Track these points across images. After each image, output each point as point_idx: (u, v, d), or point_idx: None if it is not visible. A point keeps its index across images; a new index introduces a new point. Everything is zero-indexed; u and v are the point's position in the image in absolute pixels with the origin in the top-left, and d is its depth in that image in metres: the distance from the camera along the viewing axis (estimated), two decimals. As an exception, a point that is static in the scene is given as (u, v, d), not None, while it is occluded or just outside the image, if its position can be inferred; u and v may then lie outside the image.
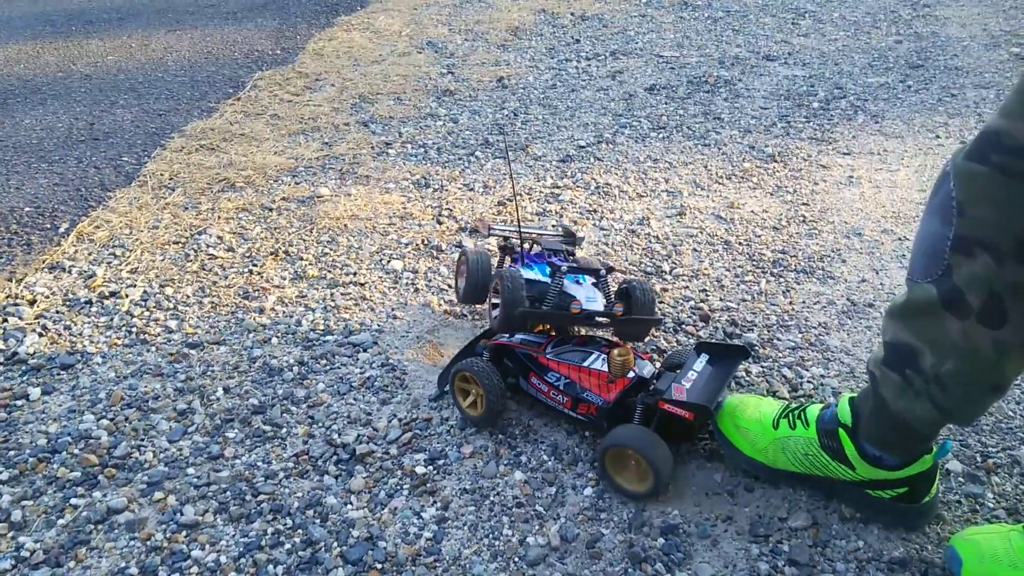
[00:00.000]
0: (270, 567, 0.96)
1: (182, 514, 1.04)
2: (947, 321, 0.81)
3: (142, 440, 1.18)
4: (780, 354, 1.37)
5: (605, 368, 1.13)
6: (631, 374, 1.11)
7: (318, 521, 1.03)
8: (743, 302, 1.55)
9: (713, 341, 1.18)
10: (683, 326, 1.46)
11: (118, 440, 1.17)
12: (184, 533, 1.01)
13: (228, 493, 1.07)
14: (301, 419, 1.23)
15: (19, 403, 1.26)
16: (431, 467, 1.12)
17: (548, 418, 1.21)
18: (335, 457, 1.14)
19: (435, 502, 1.06)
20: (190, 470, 1.12)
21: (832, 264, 1.69)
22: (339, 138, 2.55)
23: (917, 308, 0.84)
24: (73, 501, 1.06)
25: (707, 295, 1.58)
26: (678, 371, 1.11)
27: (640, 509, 1.04)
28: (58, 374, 1.34)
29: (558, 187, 2.14)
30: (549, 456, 1.14)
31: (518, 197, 2.08)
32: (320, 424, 1.21)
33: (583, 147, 2.46)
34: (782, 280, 1.63)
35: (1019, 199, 0.74)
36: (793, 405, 1.08)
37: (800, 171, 2.24)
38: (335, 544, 0.99)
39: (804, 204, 2.01)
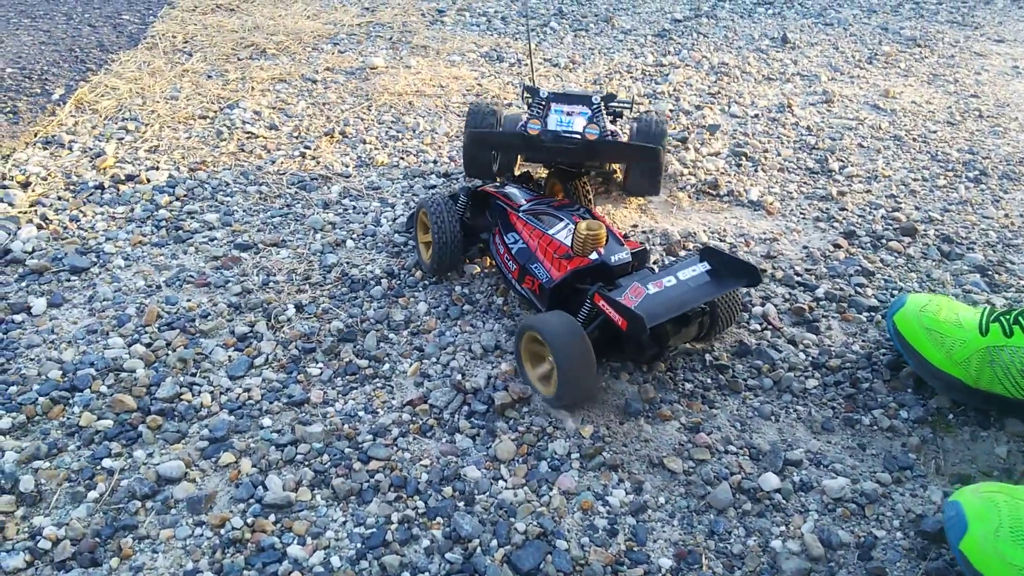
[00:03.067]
0: (406, 575, 0.65)
1: (266, 488, 0.72)
2: None
3: (193, 375, 0.85)
4: (1021, 281, 1.05)
5: (569, 241, 0.89)
6: (594, 256, 0.87)
7: (462, 505, 0.71)
8: (946, 212, 1.21)
9: (723, 251, 0.86)
10: (884, 241, 1.12)
11: (161, 375, 0.84)
12: (272, 518, 0.69)
13: (326, 457, 0.75)
14: (406, 351, 0.90)
15: (18, 318, 0.92)
16: (604, 427, 0.80)
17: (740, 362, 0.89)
18: (466, 408, 0.82)
19: (621, 480, 0.75)
20: (265, 420, 0.79)
21: (1043, 169, 1.34)
22: (381, 3, 2.13)
23: None
24: (106, 463, 0.73)
25: (898, 202, 1.23)
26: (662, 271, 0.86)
27: (922, 498, 0.74)
28: (68, 280, 0.99)
29: (663, 65, 1.74)
30: (759, 413, 0.83)
31: (617, 75, 1.69)
32: (434, 360, 0.89)
33: (679, 21, 2.04)
34: (984, 187, 1.29)
35: None
36: (1002, 309, 0.83)
37: (953, 58, 1.85)
38: (493, 542, 0.68)
39: (973, 96, 1.64)
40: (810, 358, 0.90)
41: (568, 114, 1.03)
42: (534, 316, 0.83)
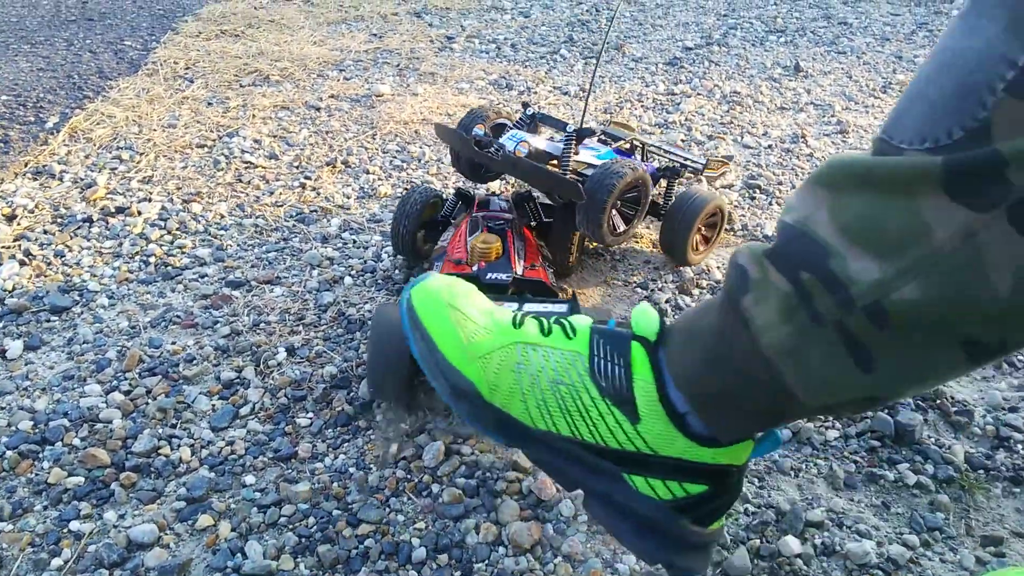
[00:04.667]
0: (395, 657, 0.59)
1: (245, 556, 0.66)
2: (931, 211, 0.39)
3: (173, 427, 0.79)
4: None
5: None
6: (475, 268, 0.87)
7: (459, 575, 0.66)
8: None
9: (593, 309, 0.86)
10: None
11: (139, 426, 0.79)
12: (251, 590, 0.64)
13: (311, 520, 0.70)
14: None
15: (-8, 362, 0.87)
16: (614, 486, 0.74)
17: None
18: (464, 467, 0.76)
19: (632, 545, 0.69)
20: (248, 478, 0.74)
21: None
22: (389, 30, 2.10)
23: (874, 176, 0.41)
24: (74, 526, 0.68)
25: (920, 238, 1.18)
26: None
27: (952, 563, 0.67)
28: (47, 320, 0.94)
29: (674, 93, 1.70)
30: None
31: (628, 104, 1.65)
32: (433, 412, 0.83)
33: (691, 49, 2.01)
34: (1011, 221, 1.23)
35: None
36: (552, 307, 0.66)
37: (971, 86, 1.80)
38: (492, 617, 0.62)
39: (994, 126, 1.59)
40: (833, 409, 0.84)
41: (542, 135, 1.03)
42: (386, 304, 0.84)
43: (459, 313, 0.58)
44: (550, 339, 0.56)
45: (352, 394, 0.84)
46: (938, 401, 0.86)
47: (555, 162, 0.99)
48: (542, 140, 1.00)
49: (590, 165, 1.00)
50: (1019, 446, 0.80)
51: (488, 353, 0.56)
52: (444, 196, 1.04)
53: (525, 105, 1.07)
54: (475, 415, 0.57)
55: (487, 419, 0.56)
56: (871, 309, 0.40)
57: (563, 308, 0.79)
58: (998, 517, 0.73)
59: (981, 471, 0.77)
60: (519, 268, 0.88)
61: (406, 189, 1.27)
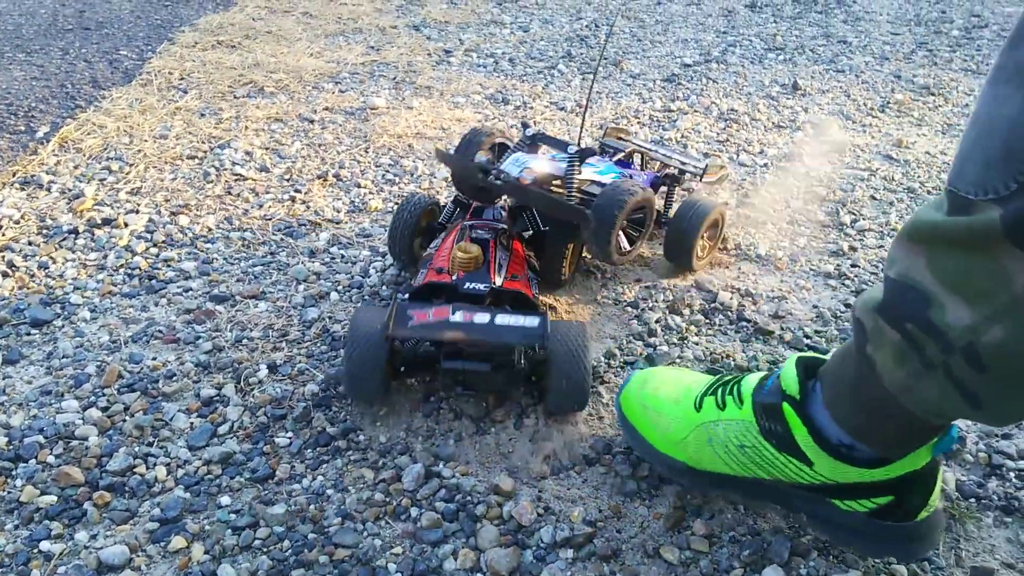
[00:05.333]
0: None
1: (217, 580, 0.65)
2: (1009, 261, 0.45)
3: (150, 445, 0.78)
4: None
5: None
6: (455, 278, 0.87)
7: (435, 603, 0.64)
8: (966, 272, 1.14)
9: (556, 322, 0.82)
10: (900, 303, 1.06)
11: (115, 444, 0.77)
12: (221, 616, 0.62)
13: (286, 543, 0.68)
14: (385, 419, 0.83)
15: (-31, 375, 0.86)
16: (596, 510, 0.73)
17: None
18: (444, 490, 0.75)
19: (614, 572, 0.67)
20: (224, 499, 0.72)
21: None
22: (387, 42, 2.10)
23: (958, 235, 0.48)
24: (44, 546, 0.67)
25: (914, 260, 1.16)
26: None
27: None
28: (28, 334, 0.93)
29: (671, 110, 1.70)
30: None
31: (624, 120, 1.64)
32: (415, 433, 0.82)
33: (689, 66, 2.01)
34: (1007, 244, 1.22)
35: None
36: (728, 376, 0.73)
37: (967, 107, 1.80)
38: (468, 648, 0.60)
39: (990, 147, 1.58)
40: (823, 434, 0.83)
41: (547, 156, 1.01)
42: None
43: (653, 413, 0.75)
44: (726, 412, 0.69)
45: (333, 414, 0.83)
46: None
47: (558, 182, 0.98)
48: (545, 162, 0.99)
49: (592, 182, 1.00)
50: (1011, 474, 0.79)
51: (684, 438, 0.71)
52: (441, 204, 1.04)
53: (525, 125, 1.06)
54: (694, 483, 0.74)
55: (705, 482, 0.72)
56: (968, 352, 0.48)
57: (535, 322, 0.79)
58: (989, 547, 0.71)
59: (972, 500, 0.75)
60: (498, 279, 0.88)
61: (396, 203, 1.26)
